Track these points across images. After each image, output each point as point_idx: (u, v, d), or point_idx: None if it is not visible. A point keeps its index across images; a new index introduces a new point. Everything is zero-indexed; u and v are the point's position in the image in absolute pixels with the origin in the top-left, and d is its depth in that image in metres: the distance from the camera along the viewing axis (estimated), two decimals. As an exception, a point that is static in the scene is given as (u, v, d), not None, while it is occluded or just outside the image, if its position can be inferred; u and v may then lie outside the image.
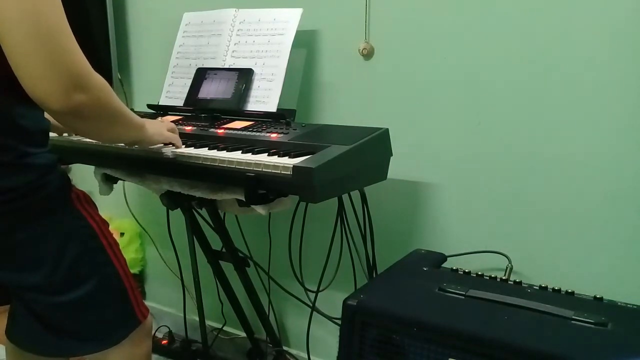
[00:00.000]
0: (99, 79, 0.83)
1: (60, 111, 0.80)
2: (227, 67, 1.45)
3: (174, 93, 1.53)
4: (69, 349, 1.01)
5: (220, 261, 1.55)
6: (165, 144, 1.15)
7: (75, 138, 1.31)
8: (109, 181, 1.37)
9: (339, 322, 1.08)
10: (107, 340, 1.02)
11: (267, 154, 1.08)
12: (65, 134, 1.32)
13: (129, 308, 1.04)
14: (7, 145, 0.85)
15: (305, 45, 1.52)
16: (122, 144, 1.13)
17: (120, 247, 1.05)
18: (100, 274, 0.98)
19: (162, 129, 1.12)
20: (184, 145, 1.17)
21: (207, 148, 1.15)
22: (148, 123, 1.06)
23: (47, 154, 0.91)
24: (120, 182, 1.38)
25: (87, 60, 0.82)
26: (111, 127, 0.94)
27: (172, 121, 1.36)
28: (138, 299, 1.06)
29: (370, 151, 1.16)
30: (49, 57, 0.77)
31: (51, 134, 1.00)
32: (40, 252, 0.91)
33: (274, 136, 1.21)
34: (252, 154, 1.09)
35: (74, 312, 0.97)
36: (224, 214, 1.54)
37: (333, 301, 1.54)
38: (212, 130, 1.31)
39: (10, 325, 1.07)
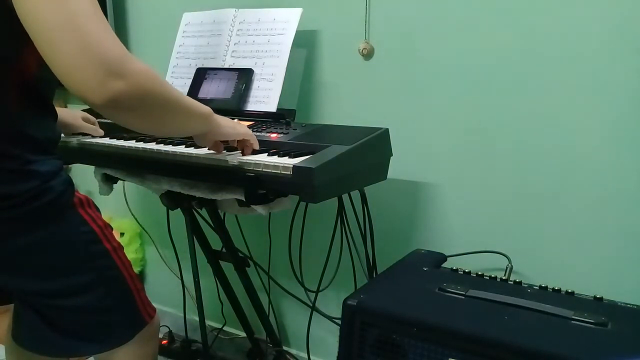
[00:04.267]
0: (137, 64, 0.77)
1: (100, 104, 0.74)
2: (227, 67, 1.45)
3: (174, 93, 1.53)
4: (76, 349, 1.01)
5: (220, 261, 1.55)
6: (231, 149, 1.09)
7: (74, 138, 1.31)
8: (109, 181, 1.37)
9: (339, 322, 1.08)
10: (113, 341, 1.02)
11: (267, 154, 1.08)
12: (74, 138, 1.31)
13: (135, 310, 1.03)
14: (13, 154, 0.84)
15: (305, 45, 1.52)
16: (187, 136, 1.08)
17: (121, 248, 1.05)
18: (104, 279, 0.97)
19: (235, 123, 1.07)
20: (183, 145, 1.17)
21: (207, 148, 1.15)
22: (217, 115, 1.01)
23: (51, 160, 0.90)
24: (120, 182, 1.38)
25: (122, 46, 0.76)
26: (165, 116, 0.87)
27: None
28: (144, 300, 1.05)
29: (370, 151, 1.16)
30: (78, 44, 0.71)
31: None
32: (43, 258, 0.90)
33: (274, 136, 1.21)
34: (252, 154, 1.09)
35: (79, 315, 0.97)
36: (224, 214, 1.54)
37: (333, 301, 1.55)
38: (212, 130, 1.30)
39: (15, 327, 1.07)
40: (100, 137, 1.32)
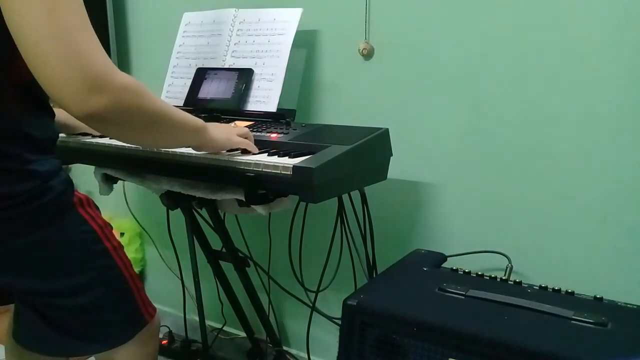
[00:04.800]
0: (123, 80, 0.77)
1: (81, 116, 0.75)
2: (227, 67, 1.45)
3: (174, 93, 1.53)
4: (76, 348, 1.01)
5: (220, 261, 1.55)
6: (234, 150, 1.09)
7: (74, 138, 1.31)
8: (109, 181, 1.37)
9: (339, 322, 1.08)
10: (113, 341, 1.02)
11: (267, 154, 1.08)
12: (74, 138, 1.31)
13: (135, 309, 1.03)
14: (12, 153, 0.84)
15: (305, 45, 1.52)
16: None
17: (121, 248, 1.05)
18: (104, 278, 0.97)
19: (230, 133, 1.07)
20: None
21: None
22: (212, 126, 1.01)
23: (51, 159, 0.90)
24: (120, 182, 1.38)
25: (109, 60, 0.76)
26: (152, 131, 0.87)
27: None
28: (144, 299, 1.05)
29: (370, 151, 1.16)
30: (63, 57, 0.72)
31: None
32: (43, 258, 0.90)
33: (274, 136, 1.21)
34: (252, 154, 1.09)
35: (79, 315, 0.97)
36: (224, 214, 1.54)
37: (333, 301, 1.55)
38: (212, 130, 1.30)
39: (15, 327, 1.07)
40: (100, 136, 1.32)
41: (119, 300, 1.01)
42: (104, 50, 0.76)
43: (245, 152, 1.10)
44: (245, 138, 1.10)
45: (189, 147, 1.03)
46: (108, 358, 1.04)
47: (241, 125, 1.31)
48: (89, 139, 1.30)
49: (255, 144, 1.14)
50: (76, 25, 0.74)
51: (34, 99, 0.88)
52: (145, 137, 0.90)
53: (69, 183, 0.93)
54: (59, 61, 0.72)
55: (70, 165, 1.96)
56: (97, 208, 1.00)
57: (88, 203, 0.97)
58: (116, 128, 0.82)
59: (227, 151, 1.10)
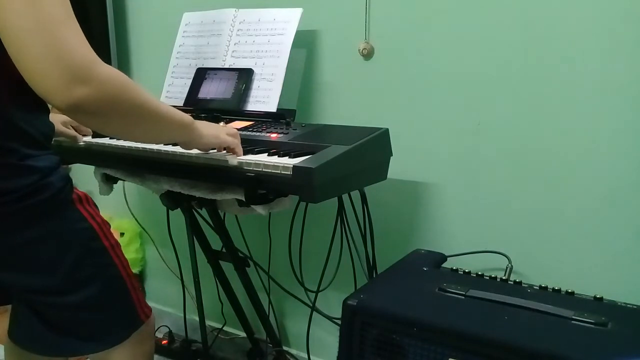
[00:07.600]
0: (107, 71, 0.77)
1: (63, 107, 0.75)
2: (227, 67, 1.45)
3: (174, 93, 1.53)
4: (72, 348, 1.01)
5: (220, 261, 1.55)
6: (220, 150, 1.08)
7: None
8: (109, 181, 1.37)
9: (339, 322, 1.08)
10: (109, 340, 1.02)
11: (267, 154, 1.08)
12: (62, 138, 1.30)
13: (131, 308, 1.03)
14: (9, 148, 0.84)
15: (305, 45, 1.52)
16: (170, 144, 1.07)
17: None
18: (102, 276, 0.97)
19: (219, 131, 1.06)
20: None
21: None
22: (200, 123, 1.00)
23: (49, 155, 0.90)
24: (120, 182, 1.38)
25: (92, 51, 0.76)
26: (136, 123, 0.87)
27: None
28: (140, 299, 1.05)
29: (370, 151, 1.16)
30: (45, 48, 0.72)
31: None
32: (41, 254, 0.90)
33: (274, 136, 1.21)
34: (252, 154, 1.09)
35: (76, 313, 0.97)
36: (224, 214, 1.54)
37: (333, 301, 1.55)
38: (212, 130, 1.30)
39: (12, 326, 1.07)
40: (100, 136, 1.31)
41: (116, 299, 1.01)
42: (87, 42, 0.77)
43: (230, 152, 1.08)
44: (234, 139, 1.08)
45: (176, 142, 1.03)
46: (103, 358, 1.03)
47: (241, 125, 1.31)
48: (88, 139, 1.30)
49: (255, 144, 1.15)
50: (58, 16, 0.74)
51: (28, 94, 0.88)
52: (129, 130, 0.89)
53: (68, 180, 0.93)
54: (42, 53, 0.72)
55: (70, 165, 1.96)
56: (96, 206, 1.00)
57: (87, 200, 0.97)
58: (99, 120, 0.82)
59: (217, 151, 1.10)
